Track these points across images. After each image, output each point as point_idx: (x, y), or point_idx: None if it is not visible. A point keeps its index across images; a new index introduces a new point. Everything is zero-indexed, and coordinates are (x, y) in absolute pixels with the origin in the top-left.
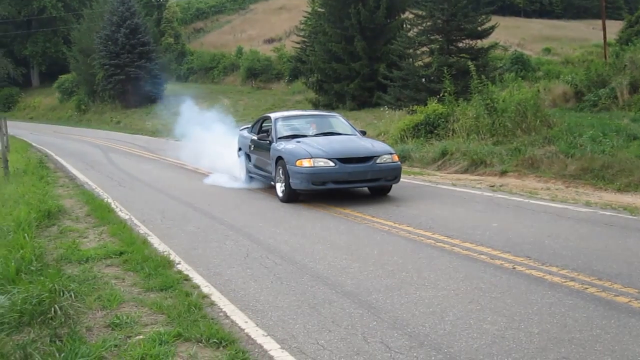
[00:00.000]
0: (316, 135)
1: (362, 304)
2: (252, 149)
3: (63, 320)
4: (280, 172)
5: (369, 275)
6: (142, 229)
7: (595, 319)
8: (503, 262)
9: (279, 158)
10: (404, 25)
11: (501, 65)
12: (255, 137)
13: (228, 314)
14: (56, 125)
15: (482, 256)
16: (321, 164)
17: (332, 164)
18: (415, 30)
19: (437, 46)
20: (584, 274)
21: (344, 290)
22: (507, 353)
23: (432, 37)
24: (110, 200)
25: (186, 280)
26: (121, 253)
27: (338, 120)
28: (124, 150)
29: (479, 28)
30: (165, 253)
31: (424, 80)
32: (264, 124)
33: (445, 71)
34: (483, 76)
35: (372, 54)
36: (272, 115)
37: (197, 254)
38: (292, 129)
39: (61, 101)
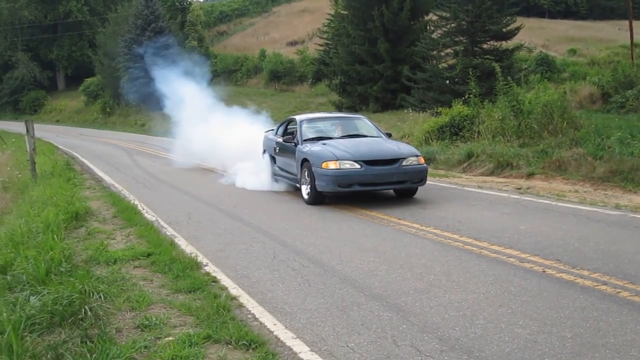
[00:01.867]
0: (342, 137)
1: (391, 306)
2: (277, 151)
3: (93, 321)
4: (306, 174)
5: (397, 278)
6: (169, 231)
7: (630, 323)
8: (533, 265)
9: (305, 160)
10: (428, 27)
11: (526, 66)
12: (280, 140)
13: (257, 316)
14: (82, 128)
15: (511, 259)
16: (347, 166)
17: (358, 166)
18: (439, 32)
19: (462, 48)
20: (616, 277)
21: (373, 292)
22: (539, 358)
23: (456, 39)
24: (136, 202)
25: (214, 282)
26: (149, 254)
27: (363, 122)
28: (148, 152)
29: (504, 29)
30: (192, 255)
31: (448, 82)
32: (289, 126)
33: (470, 73)
34: (508, 78)
35: (395, 56)
36: (297, 118)
37: (224, 256)
38: (318, 131)
39: (86, 104)
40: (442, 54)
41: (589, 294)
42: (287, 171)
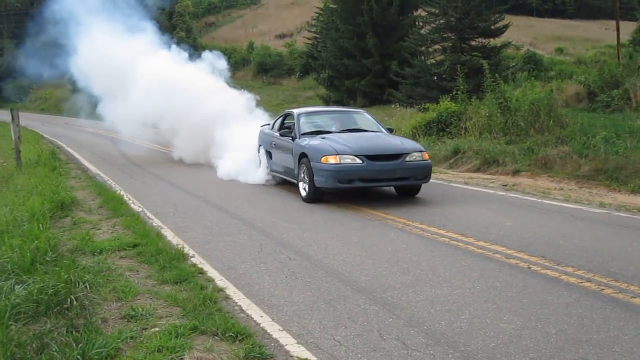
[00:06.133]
0: (341, 131)
1: (377, 300)
2: (273, 145)
3: (79, 311)
4: (304, 169)
5: (384, 272)
6: (156, 222)
7: (613, 320)
8: (518, 262)
9: (303, 155)
10: (417, 23)
11: (514, 64)
12: (277, 134)
13: (243, 308)
14: (67, 117)
15: (496, 255)
16: (348, 160)
17: (359, 161)
18: (428, 27)
19: (450, 44)
20: (600, 275)
21: (359, 286)
22: (524, 352)
23: (444, 35)
24: (122, 193)
25: (200, 273)
26: (135, 245)
27: (363, 117)
28: (134, 142)
29: (492, 27)
30: (179, 246)
31: (435, 78)
32: (286, 121)
33: (458, 69)
34: (496, 75)
35: (384, 51)
36: (295, 111)
37: (210, 248)
38: (316, 125)
39: (73, 93)
40: (431, 49)
41: (573, 291)
42: (283, 166)
